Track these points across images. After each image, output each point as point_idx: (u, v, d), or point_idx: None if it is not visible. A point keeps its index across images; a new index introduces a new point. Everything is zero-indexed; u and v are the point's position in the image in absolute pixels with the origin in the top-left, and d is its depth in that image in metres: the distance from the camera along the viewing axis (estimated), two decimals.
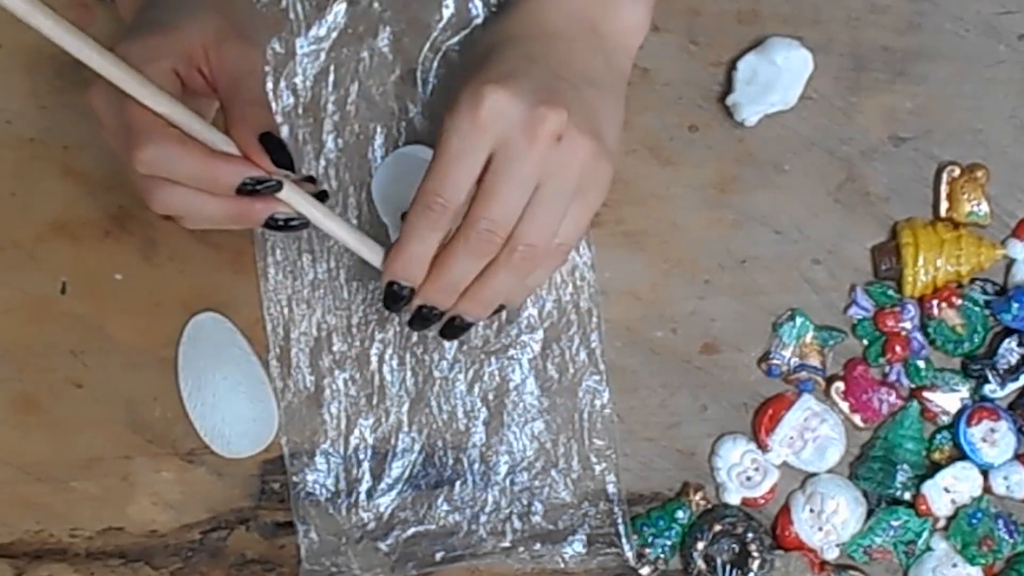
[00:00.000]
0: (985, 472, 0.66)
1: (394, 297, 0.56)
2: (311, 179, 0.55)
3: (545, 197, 0.53)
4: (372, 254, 0.56)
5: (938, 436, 0.67)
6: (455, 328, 0.58)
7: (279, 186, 0.51)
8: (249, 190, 0.51)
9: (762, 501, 0.67)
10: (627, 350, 0.67)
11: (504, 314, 0.65)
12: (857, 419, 0.67)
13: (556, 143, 0.52)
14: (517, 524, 0.67)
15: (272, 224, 0.53)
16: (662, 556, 0.66)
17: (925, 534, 0.66)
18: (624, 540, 0.66)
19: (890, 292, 0.66)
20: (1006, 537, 0.66)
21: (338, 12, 0.66)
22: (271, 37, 0.65)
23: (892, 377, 0.66)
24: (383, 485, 0.67)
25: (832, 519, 0.66)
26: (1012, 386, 0.66)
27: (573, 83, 0.55)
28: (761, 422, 0.66)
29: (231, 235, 0.66)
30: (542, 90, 0.53)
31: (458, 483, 0.67)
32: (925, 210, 0.67)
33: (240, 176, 0.50)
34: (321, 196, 0.54)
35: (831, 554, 0.66)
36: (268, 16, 0.65)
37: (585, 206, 0.55)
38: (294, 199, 0.53)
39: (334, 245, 0.66)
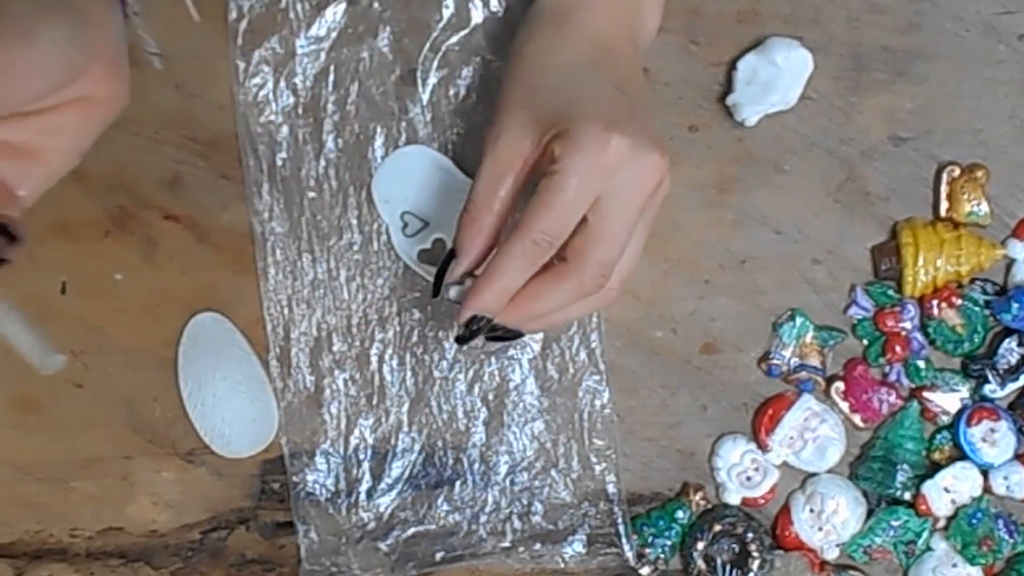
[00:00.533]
0: (985, 472, 0.66)
1: (471, 334, 0.54)
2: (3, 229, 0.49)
3: (638, 230, 0.55)
4: (41, 355, 0.52)
5: (938, 436, 0.67)
6: (497, 332, 0.56)
7: None
8: None
9: (762, 501, 0.67)
10: (627, 350, 0.67)
11: None
12: (857, 419, 0.67)
13: (659, 186, 0.54)
14: (517, 524, 0.67)
15: None
16: (662, 556, 0.66)
17: (925, 534, 0.66)
18: (624, 540, 0.66)
19: (890, 292, 0.66)
20: (1006, 537, 0.66)
21: (338, 12, 0.66)
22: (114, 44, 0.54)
23: (892, 377, 0.66)
24: (383, 485, 0.67)
25: (832, 519, 0.66)
26: (1012, 386, 0.66)
27: (644, 107, 0.56)
28: (761, 422, 0.66)
29: (231, 235, 0.66)
30: (647, 130, 0.54)
31: (458, 483, 0.67)
32: (925, 210, 0.67)
33: None
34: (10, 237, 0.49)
35: (831, 554, 0.66)
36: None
37: (648, 224, 0.57)
38: None
39: (334, 245, 0.66)
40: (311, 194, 0.66)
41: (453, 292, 0.56)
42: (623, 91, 0.55)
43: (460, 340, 0.55)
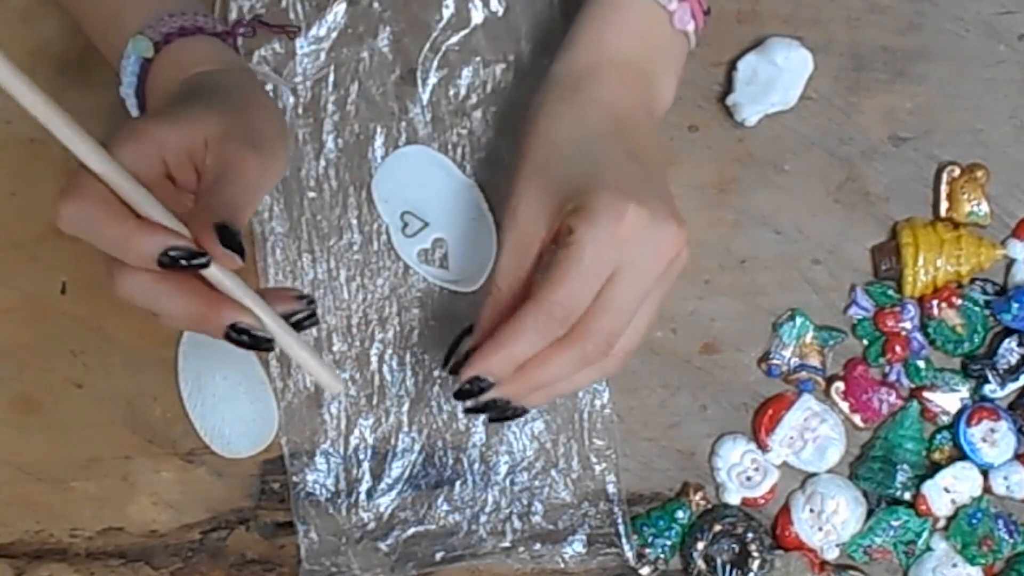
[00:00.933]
0: (985, 472, 0.66)
1: (469, 392, 0.53)
2: (306, 299, 0.51)
3: (650, 301, 0.54)
4: (332, 380, 0.52)
5: (938, 436, 0.67)
6: (506, 413, 0.56)
7: (201, 261, 0.46)
8: (170, 263, 0.46)
9: (762, 501, 0.67)
10: None
11: None
12: (857, 419, 0.67)
13: (676, 257, 0.53)
14: (517, 524, 0.67)
15: (232, 336, 0.48)
16: (662, 556, 0.66)
17: (925, 534, 0.66)
18: (624, 540, 0.66)
19: (890, 292, 0.66)
20: (1006, 537, 0.66)
21: (338, 12, 0.66)
22: (288, 145, 0.59)
23: (892, 377, 0.66)
24: (383, 485, 0.67)
25: (832, 519, 0.66)
26: (1012, 386, 0.66)
27: (662, 176, 0.56)
28: (761, 422, 0.66)
29: None
30: (664, 200, 0.53)
31: (458, 483, 0.67)
32: (925, 210, 0.67)
33: (159, 245, 0.45)
34: (310, 320, 0.51)
35: (831, 554, 0.66)
36: (289, 132, 0.63)
37: (661, 295, 0.55)
38: (231, 287, 0.48)
39: (334, 245, 0.66)
40: (311, 194, 0.66)
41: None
42: (638, 160, 0.55)
43: (459, 396, 0.54)
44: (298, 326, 0.51)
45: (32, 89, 0.44)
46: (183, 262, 0.46)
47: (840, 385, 0.67)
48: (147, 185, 0.47)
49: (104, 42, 0.60)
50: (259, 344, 0.48)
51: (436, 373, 0.66)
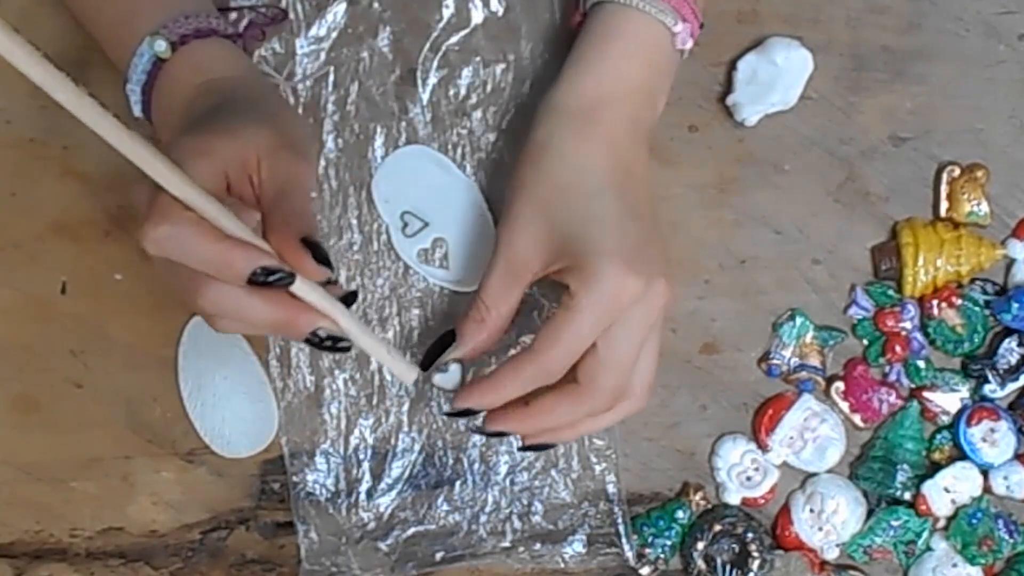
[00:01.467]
0: (985, 472, 0.66)
1: (460, 415, 0.58)
2: (350, 294, 0.54)
3: (649, 345, 0.57)
4: (407, 371, 0.56)
5: (938, 436, 0.67)
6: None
7: (291, 278, 0.49)
8: (261, 280, 0.48)
9: (762, 501, 0.67)
10: None
11: None
12: (857, 419, 0.67)
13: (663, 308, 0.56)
14: (517, 524, 0.67)
15: (314, 340, 0.51)
16: (662, 556, 0.66)
17: (925, 534, 0.66)
18: (624, 540, 0.66)
19: (890, 292, 0.66)
20: (1006, 537, 0.66)
21: (338, 12, 0.66)
22: (317, 147, 0.65)
23: (892, 377, 0.66)
24: (383, 485, 0.67)
25: (832, 519, 0.66)
26: (1012, 386, 0.66)
27: (655, 227, 0.57)
28: (761, 422, 0.66)
29: None
30: (657, 258, 0.55)
31: (458, 483, 0.67)
32: (925, 210, 0.67)
33: (252, 263, 0.48)
34: (349, 298, 0.54)
35: (831, 554, 0.66)
36: (313, 127, 0.65)
37: (658, 337, 0.58)
38: (316, 300, 0.51)
39: (334, 245, 0.66)
40: (311, 194, 0.66)
41: (437, 378, 0.59)
42: (638, 218, 0.56)
43: (450, 415, 0.59)
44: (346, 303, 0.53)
45: (107, 117, 0.46)
46: (273, 279, 0.48)
47: (840, 385, 0.67)
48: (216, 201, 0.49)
49: (114, 40, 0.60)
50: (336, 348, 0.52)
51: None
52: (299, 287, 0.50)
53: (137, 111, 0.59)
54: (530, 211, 0.56)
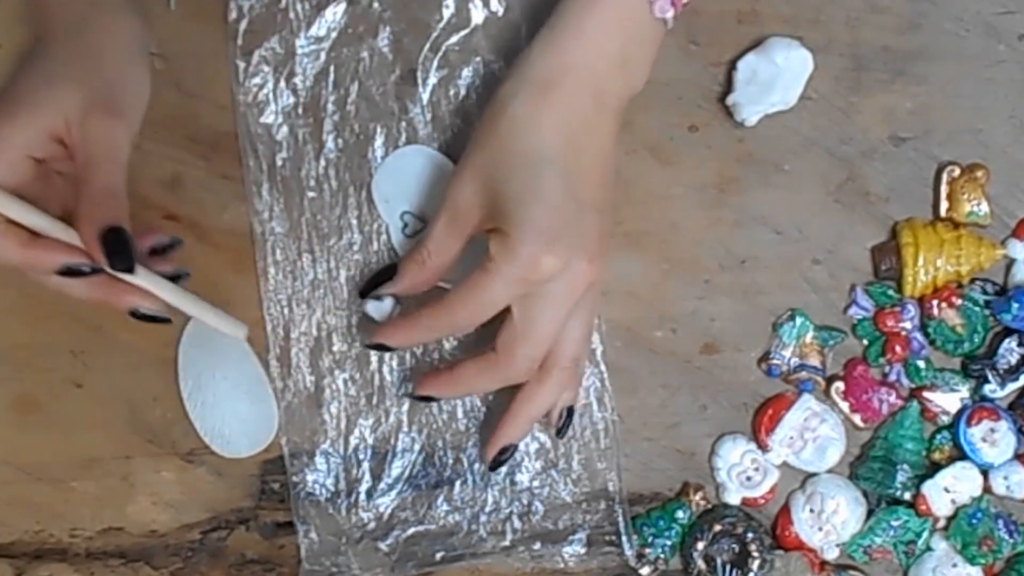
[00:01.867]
0: (985, 472, 0.66)
1: (375, 348, 0.62)
2: (177, 276, 0.57)
3: (576, 321, 0.59)
4: (236, 328, 0.58)
5: (938, 436, 0.67)
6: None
7: (98, 270, 0.52)
8: (70, 274, 0.52)
9: (762, 501, 0.67)
10: (627, 350, 0.67)
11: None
12: (857, 419, 0.67)
13: (587, 289, 0.58)
14: (517, 524, 0.67)
15: (137, 316, 0.55)
16: (662, 556, 0.66)
17: (925, 534, 0.66)
18: (624, 540, 0.66)
19: (890, 292, 0.66)
20: (1006, 537, 0.66)
21: (338, 12, 0.66)
22: (144, 99, 0.59)
23: (892, 377, 0.66)
24: (383, 485, 0.67)
25: (832, 519, 0.66)
26: (1012, 386, 0.66)
27: (597, 209, 0.58)
28: (761, 422, 0.66)
29: (231, 235, 0.66)
30: (584, 239, 0.56)
31: (458, 483, 0.67)
32: (925, 210, 0.67)
33: (55, 263, 0.52)
34: (177, 277, 0.57)
35: (831, 554, 0.66)
36: (148, 76, 0.59)
37: (589, 314, 0.61)
38: (132, 279, 0.54)
39: (334, 245, 0.66)
40: (311, 194, 0.66)
41: (370, 306, 0.64)
42: (575, 197, 0.56)
43: (367, 347, 0.63)
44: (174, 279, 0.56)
45: None
46: (79, 272, 0.52)
47: (840, 385, 0.67)
48: (23, 186, 0.51)
49: None
50: (158, 320, 0.56)
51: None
52: (136, 277, 0.53)
53: None
54: (478, 165, 0.57)
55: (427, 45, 0.66)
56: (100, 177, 0.51)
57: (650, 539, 0.66)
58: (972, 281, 0.66)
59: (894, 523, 0.66)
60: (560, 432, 0.63)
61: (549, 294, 0.57)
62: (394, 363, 0.66)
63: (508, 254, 0.55)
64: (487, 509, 0.66)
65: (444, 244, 0.59)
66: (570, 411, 0.63)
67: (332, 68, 0.66)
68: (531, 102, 0.57)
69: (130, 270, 0.52)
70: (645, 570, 0.67)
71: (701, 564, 0.66)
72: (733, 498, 0.67)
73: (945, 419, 0.67)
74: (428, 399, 0.63)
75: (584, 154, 0.58)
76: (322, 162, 0.66)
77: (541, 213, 0.55)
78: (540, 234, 0.55)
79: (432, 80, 0.66)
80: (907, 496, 0.66)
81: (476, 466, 0.67)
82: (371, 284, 0.63)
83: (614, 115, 0.59)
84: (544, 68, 0.58)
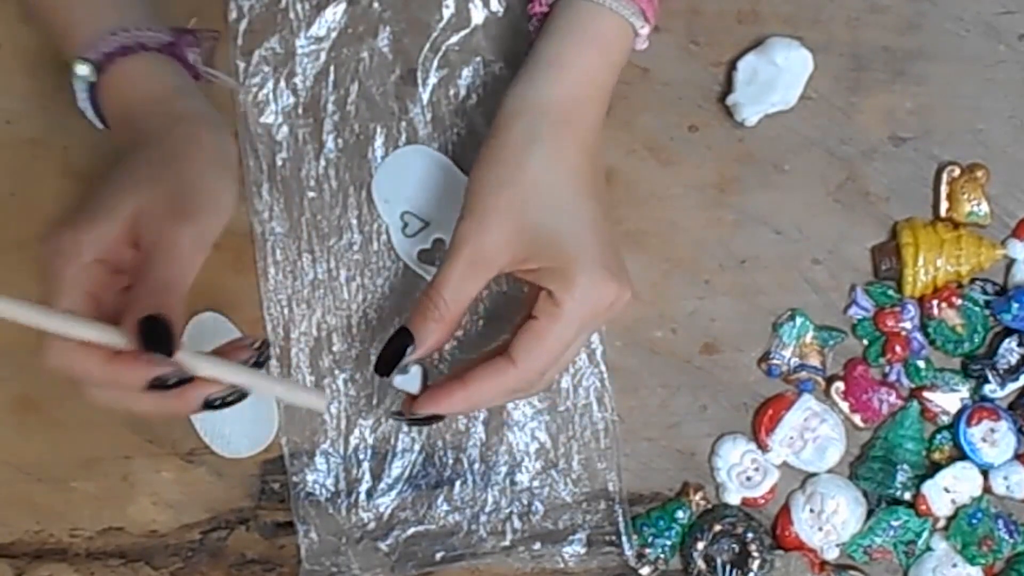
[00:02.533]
0: (985, 472, 0.66)
1: (419, 421, 0.57)
2: (260, 345, 0.54)
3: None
4: (316, 400, 0.54)
5: (938, 436, 0.67)
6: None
7: (187, 379, 0.50)
8: (160, 387, 0.49)
9: (762, 501, 0.67)
10: (627, 350, 0.67)
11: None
12: (857, 419, 0.67)
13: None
14: (517, 524, 0.67)
15: (211, 406, 0.51)
16: (662, 556, 0.66)
17: (925, 534, 0.66)
18: (624, 540, 0.66)
19: (890, 292, 0.66)
20: (1006, 537, 0.66)
21: (338, 12, 0.66)
22: (227, 188, 0.56)
23: (892, 377, 0.66)
24: (383, 485, 0.67)
25: (832, 519, 0.66)
26: (1012, 386, 0.66)
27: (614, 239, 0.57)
28: (761, 422, 0.66)
29: (231, 235, 0.66)
30: (620, 262, 0.56)
31: (458, 483, 0.67)
32: (925, 210, 0.67)
33: (144, 377, 0.49)
34: (263, 352, 0.54)
35: (831, 554, 0.66)
36: (234, 164, 0.58)
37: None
38: (210, 373, 0.51)
39: (334, 245, 0.66)
40: (311, 194, 0.66)
41: (398, 380, 0.57)
42: (608, 223, 0.56)
43: (396, 416, 0.58)
44: (257, 365, 0.53)
45: None
46: (166, 384, 0.49)
47: (840, 385, 0.67)
48: (97, 291, 0.50)
49: (63, 53, 0.59)
50: (232, 403, 0.52)
51: (435, 373, 0.66)
52: (196, 368, 0.50)
53: (99, 124, 0.59)
54: (503, 207, 0.55)
55: (427, 45, 0.66)
56: (155, 272, 0.50)
57: (650, 539, 0.66)
58: (972, 281, 0.66)
59: (894, 523, 0.66)
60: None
61: (591, 326, 0.56)
62: None
63: (576, 291, 0.53)
64: (487, 509, 0.67)
65: (463, 292, 0.55)
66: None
67: (332, 68, 0.66)
68: (551, 137, 0.56)
69: (169, 354, 0.49)
70: (645, 570, 0.67)
71: (701, 564, 0.66)
72: (733, 498, 0.67)
73: (945, 419, 0.67)
74: (431, 420, 0.58)
75: (599, 184, 0.57)
76: (322, 162, 0.66)
77: (594, 244, 0.54)
78: (601, 265, 0.54)
79: (432, 80, 0.66)
80: (907, 496, 0.66)
81: (476, 466, 0.67)
82: (386, 357, 0.56)
83: (601, 147, 0.59)
84: (556, 102, 0.57)
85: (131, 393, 0.50)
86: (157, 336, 0.48)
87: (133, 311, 0.48)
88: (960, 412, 0.66)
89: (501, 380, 0.54)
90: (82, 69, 0.56)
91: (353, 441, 0.67)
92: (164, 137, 0.55)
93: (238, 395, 0.52)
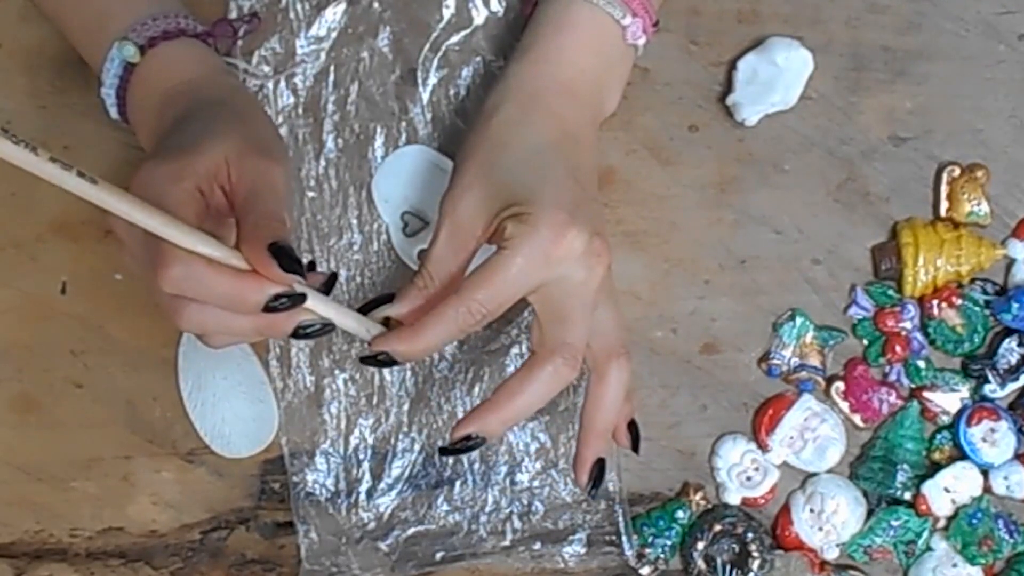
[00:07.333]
0: (985, 472, 0.66)
1: (380, 363, 0.55)
2: (332, 276, 0.56)
3: (602, 315, 0.56)
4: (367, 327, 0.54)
5: (938, 436, 0.67)
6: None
7: (303, 298, 0.51)
8: (276, 306, 0.50)
9: (762, 501, 0.67)
10: None
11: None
12: (857, 419, 0.67)
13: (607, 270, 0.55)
14: (517, 524, 0.67)
15: (299, 334, 0.52)
16: (662, 556, 0.66)
17: (925, 534, 0.66)
18: (624, 540, 0.66)
19: (890, 292, 0.66)
20: (1006, 537, 0.66)
21: (338, 12, 0.66)
22: (283, 145, 0.62)
23: (892, 377, 0.66)
24: (383, 485, 0.67)
25: (832, 519, 0.66)
26: (1012, 386, 0.66)
27: (594, 197, 0.57)
28: (761, 422, 0.66)
29: None
30: (595, 222, 0.54)
31: (458, 483, 0.67)
32: (925, 210, 0.67)
33: (267, 294, 0.50)
34: (331, 280, 0.55)
35: (831, 554, 0.66)
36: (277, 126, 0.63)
37: (611, 306, 0.57)
38: (318, 306, 0.52)
39: (334, 245, 0.66)
40: (311, 194, 0.66)
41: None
42: (578, 180, 0.56)
43: (364, 361, 0.55)
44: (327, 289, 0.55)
45: (73, 178, 0.46)
46: (284, 304, 0.50)
47: (840, 385, 0.67)
48: (197, 221, 0.50)
49: (87, 45, 0.60)
50: (320, 334, 0.53)
51: (436, 373, 0.66)
52: (311, 302, 0.51)
53: (113, 114, 0.60)
54: (472, 174, 0.55)
55: (427, 45, 0.66)
56: (261, 204, 0.51)
57: (650, 539, 0.66)
58: (972, 281, 0.66)
59: (894, 523, 0.66)
60: (636, 448, 0.60)
61: (569, 279, 0.53)
62: None
63: (528, 230, 0.52)
64: (487, 509, 0.66)
65: (446, 262, 0.55)
66: (633, 425, 0.60)
67: (332, 68, 0.66)
68: (518, 108, 0.57)
69: (300, 272, 0.50)
70: (645, 570, 0.67)
71: (701, 564, 0.66)
72: (733, 498, 0.67)
73: (945, 419, 0.67)
74: (464, 447, 0.55)
75: (575, 152, 0.57)
76: (322, 162, 0.66)
77: (553, 190, 0.54)
78: (559, 208, 0.53)
79: (432, 80, 0.66)
80: (907, 496, 0.66)
81: (476, 466, 0.67)
82: (366, 309, 0.57)
83: (592, 131, 0.59)
84: (527, 83, 0.58)
85: (236, 315, 0.51)
86: (291, 259, 0.49)
87: (256, 238, 0.49)
88: (960, 412, 0.66)
89: (447, 316, 0.53)
90: (128, 50, 0.57)
91: (353, 441, 0.67)
92: (227, 100, 0.57)
93: (325, 327, 0.53)
